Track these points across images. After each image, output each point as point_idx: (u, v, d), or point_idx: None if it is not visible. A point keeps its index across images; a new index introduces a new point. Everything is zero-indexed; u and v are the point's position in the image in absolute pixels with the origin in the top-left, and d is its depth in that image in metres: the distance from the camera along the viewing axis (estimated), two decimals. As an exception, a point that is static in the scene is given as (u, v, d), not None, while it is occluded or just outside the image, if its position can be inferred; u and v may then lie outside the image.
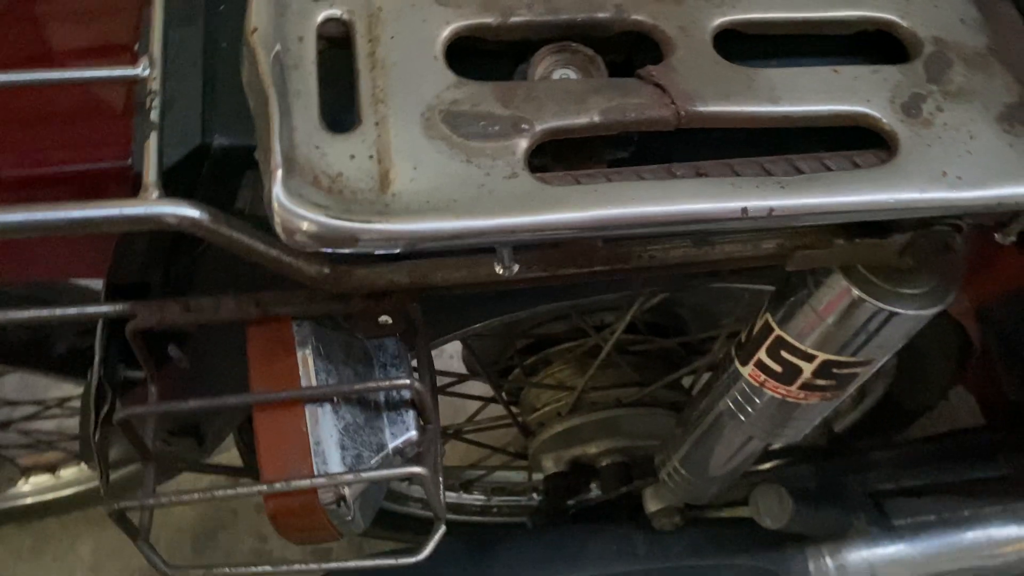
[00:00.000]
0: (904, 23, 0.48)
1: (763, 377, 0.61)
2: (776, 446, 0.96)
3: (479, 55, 0.47)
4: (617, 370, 0.93)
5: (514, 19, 0.46)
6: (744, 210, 0.41)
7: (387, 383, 0.47)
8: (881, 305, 0.52)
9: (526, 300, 0.69)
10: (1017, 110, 0.46)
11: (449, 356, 1.17)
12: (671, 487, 0.82)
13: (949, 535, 0.98)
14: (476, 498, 1.15)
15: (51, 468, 1.25)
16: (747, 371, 0.62)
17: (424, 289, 0.49)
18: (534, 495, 1.15)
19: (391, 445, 0.47)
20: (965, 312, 0.72)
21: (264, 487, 0.42)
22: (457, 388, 1.07)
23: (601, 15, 0.46)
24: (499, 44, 0.47)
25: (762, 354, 0.60)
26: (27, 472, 1.22)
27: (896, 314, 0.53)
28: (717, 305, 0.95)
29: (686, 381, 1.00)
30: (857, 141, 0.46)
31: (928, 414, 1.07)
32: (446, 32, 0.45)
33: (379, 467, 0.45)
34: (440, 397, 1.06)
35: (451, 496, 1.14)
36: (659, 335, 0.97)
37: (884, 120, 0.45)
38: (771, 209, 0.41)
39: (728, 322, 0.92)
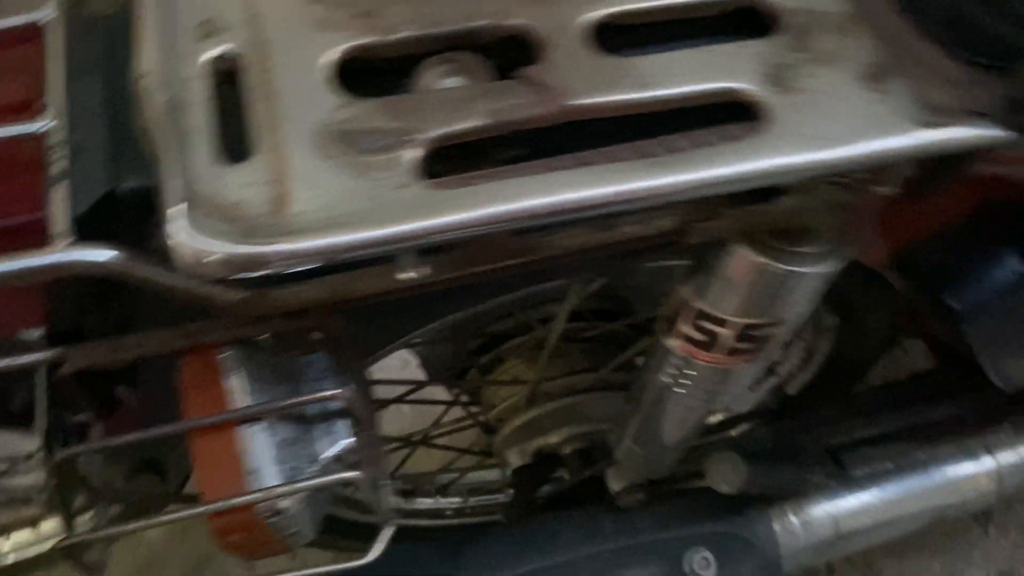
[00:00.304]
0: (767, -3, 0.51)
1: (689, 347, 0.63)
2: (721, 413, 0.99)
3: (373, 73, 0.49)
4: (568, 358, 0.96)
5: (396, 36, 0.48)
6: (625, 192, 0.43)
7: (317, 396, 0.49)
8: (782, 267, 0.54)
9: (461, 301, 0.72)
10: (880, 69, 0.49)
11: (416, 366, 1.19)
12: (629, 465, 0.85)
13: (908, 480, 1.01)
14: (452, 501, 1.17)
15: (31, 523, 1.25)
16: (673, 344, 0.64)
17: (345, 302, 0.51)
18: (509, 491, 1.17)
19: (327, 455, 0.48)
20: (884, 262, 0.75)
21: (202, 508, 0.44)
22: (421, 394, 1.08)
23: (479, 23, 0.49)
24: (390, 61, 0.49)
25: (684, 326, 0.62)
26: (6, 530, 1.22)
27: (798, 273, 0.55)
28: (659, 284, 0.98)
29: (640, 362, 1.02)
30: (737, 116, 0.48)
31: (885, 363, 1.10)
32: (333, 56, 0.47)
33: (316, 476, 0.47)
34: (405, 406, 1.08)
35: (427, 502, 1.16)
36: (607, 319, 0.99)
37: (753, 92, 0.47)
38: (651, 189, 0.44)
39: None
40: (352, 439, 0.49)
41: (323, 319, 0.50)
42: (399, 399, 0.99)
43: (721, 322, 0.60)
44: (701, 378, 0.66)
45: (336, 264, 0.44)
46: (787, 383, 1.07)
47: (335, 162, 0.44)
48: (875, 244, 0.71)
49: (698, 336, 0.62)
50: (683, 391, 0.69)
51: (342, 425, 0.49)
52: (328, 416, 0.50)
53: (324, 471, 0.48)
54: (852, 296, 0.89)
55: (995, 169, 0.60)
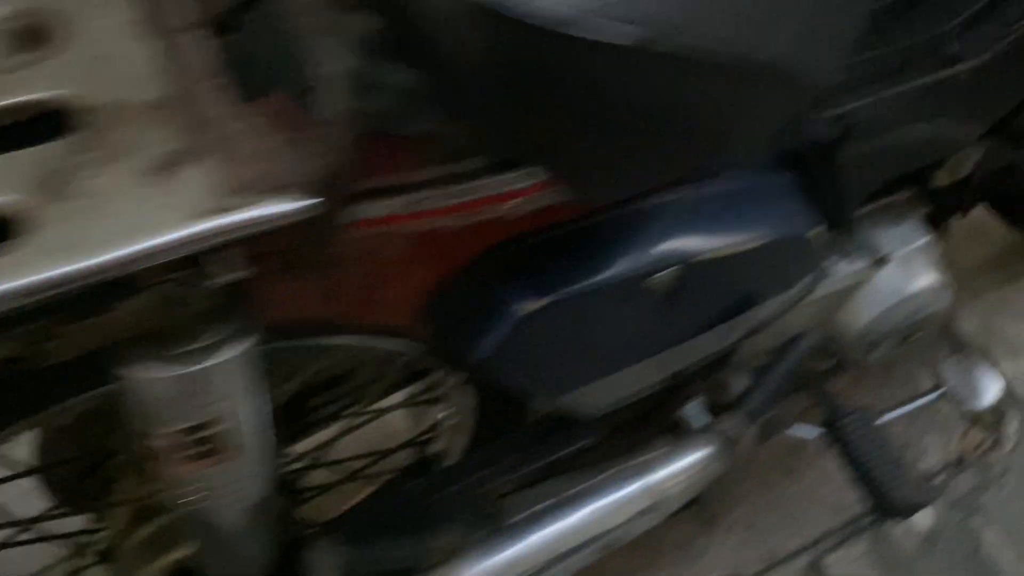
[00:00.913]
0: (69, 96, 0.48)
1: (156, 467, 0.58)
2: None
3: None
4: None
5: None
6: None
7: None
8: (160, 374, 0.51)
9: None
10: (179, 156, 0.46)
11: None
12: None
13: (565, 516, 0.99)
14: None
15: None
16: (157, 468, 0.59)
17: None
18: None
19: None
20: (406, 327, 0.72)
21: None
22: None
23: None
24: None
25: (145, 446, 0.57)
26: None
27: (196, 371, 0.51)
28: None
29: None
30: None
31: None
32: None
33: None
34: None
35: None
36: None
37: (10, 206, 0.43)
38: None
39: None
40: None
41: None
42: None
43: (162, 437, 0.56)
44: (193, 489, 0.62)
45: None
46: (445, 453, 1.04)
47: None
48: (380, 308, 0.69)
49: (159, 454, 0.57)
50: (190, 503, 0.64)
51: None
52: None
53: None
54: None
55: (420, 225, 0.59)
